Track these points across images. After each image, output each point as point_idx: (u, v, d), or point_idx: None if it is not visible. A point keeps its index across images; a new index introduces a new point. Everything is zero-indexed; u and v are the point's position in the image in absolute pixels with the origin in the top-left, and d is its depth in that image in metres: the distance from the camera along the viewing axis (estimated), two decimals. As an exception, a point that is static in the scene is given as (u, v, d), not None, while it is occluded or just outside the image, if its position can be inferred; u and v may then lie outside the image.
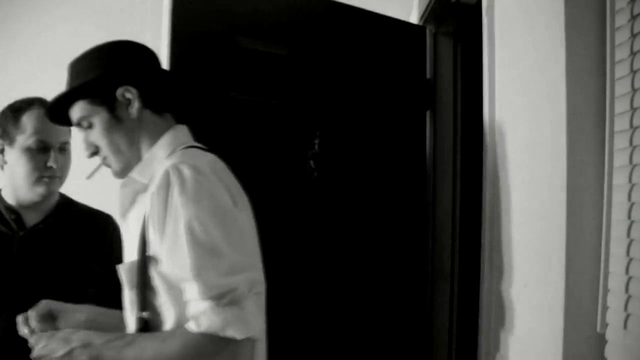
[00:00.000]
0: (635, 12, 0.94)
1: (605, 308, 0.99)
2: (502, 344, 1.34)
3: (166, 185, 1.06)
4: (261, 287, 1.08)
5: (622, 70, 0.97)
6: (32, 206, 1.45)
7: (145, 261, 1.09)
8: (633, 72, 0.94)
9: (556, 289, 1.05)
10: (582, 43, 1.03)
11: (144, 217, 1.09)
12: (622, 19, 0.97)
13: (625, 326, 0.93)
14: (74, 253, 1.47)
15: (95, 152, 1.21)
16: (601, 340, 0.99)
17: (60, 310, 1.25)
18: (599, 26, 1.02)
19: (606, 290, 0.99)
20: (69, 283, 1.42)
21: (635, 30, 0.94)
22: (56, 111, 1.26)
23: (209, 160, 1.12)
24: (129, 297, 1.13)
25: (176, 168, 1.06)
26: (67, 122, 1.25)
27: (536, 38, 1.19)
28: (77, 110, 1.21)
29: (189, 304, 1.02)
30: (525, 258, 1.22)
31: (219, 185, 1.07)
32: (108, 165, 1.21)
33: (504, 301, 1.34)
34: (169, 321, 1.07)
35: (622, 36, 0.97)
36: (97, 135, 1.19)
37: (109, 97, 1.19)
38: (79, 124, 1.22)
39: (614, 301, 0.97)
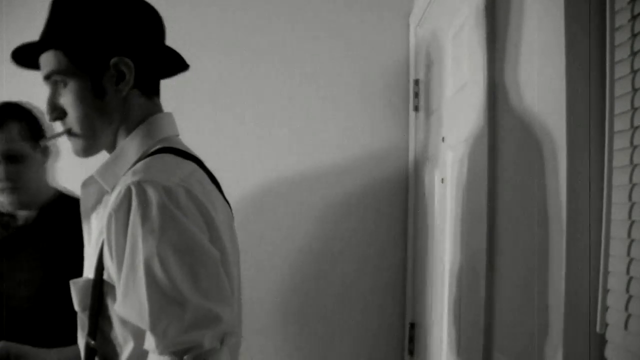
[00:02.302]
0: (635, 12, 0.94)
1: (605, 308, 0.99)
2: (502, 343, 1.34)
3: (126, 207, 0.88)
4: (235, 338, 0.91)
5: (622, 70, 0.97)
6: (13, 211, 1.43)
7: (102, 284, 0.92)
8: (633, 72, 0.94)
9: (556, 289, 1.05)
10: (582, 43, 1.03)
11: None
12: (622, 19, 0.97)
13: (625, 326, 0.93)
14: (51, 255, 1.41)
15: (59, 117, 1.00)
16: (601, 341, 0.99)
17: (20, 355, 1.08)
18: (599, 26, 1.02)
19: (606, 290, 0.99)
20: (47, 290, 1.38)
21: (635, 30, 0.94)
22: (24, 54, 1.00)
23: (184, 175, 0.93)
24: (80, 318, 0.98)
25: (141, 188, 0.87)
26: (37, 65, 1.01)
27: (536, 38, 1.19)
28: (51, 61, 0.97)
29: (149, 353, 0.87)
30: (525, 258, 1.22)
31: (191, 213, 0.88)
32: (72, 136, 1.01)
33: (504, 301, 1.34)
34: (125, 354, 0.92)
35: (622, 36, 0.97)
36: (69, 101, 0.98)
37: (98, 64, 0.97)
38: (48, 78, 0.99)
39: (614, 301, 0.97)
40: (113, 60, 0.97)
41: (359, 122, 2.33)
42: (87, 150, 1.02)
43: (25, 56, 1.01)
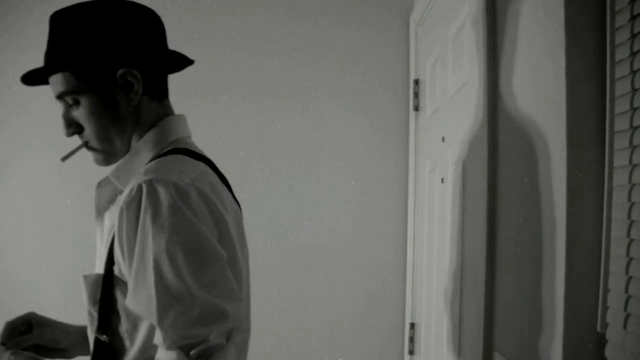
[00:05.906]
0: (635, 12, 0.94)
1: (605, 308, 0.99)
2: (502, 343, 1.34)
3: (137, 204, 0.89)
4: (242, 335, 0.92)
5: (622, 70, 0.97)
6: None
7: (112, 279, 0.94)
8: (633, 72, 0.94)
9: (556, 289, 1.05)
10: (582, 43, 1.03)
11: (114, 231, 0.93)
12: (622, 19, 0.97)
13: (625, 326, 0.93)
14: None
15: (77, 132, 1.03)
16: (601, 340, 0.99)
17: (42, 323, 1.10)
18: (598, 26, 1.02)
19: (606, 290, 0.99)
20: None
21: (635, 30, 0.94)
22: (32, 76, 1.03)
23: (196, 175, 0.95)
24: (89, 313, 0.99)
25: (152, 186, 0.89)
26: (45, 82, 1.03)
27: (536, 38, 1.19)
28: (60, 82, 0.99)
29: (158, 347, 0.88)
30: (525, 258, 1.22)
31: (201, 213, 0.90)
32: (91, 149, 1.04)
33: (504, 301, 1.34)
34: (134, 348, 0.94)
35: (622, 36, 0.97)
36: (84, 116, 1.00)
37: (106, 79, 0.99)
38: (60, 97, 1.02)
39: (614, 301, 0.97)
40: (120, 73, 0.99)
41: (359, 122, 2.33)
42: (107, 160, 1.05)
43: (32, 76, 1.04)
